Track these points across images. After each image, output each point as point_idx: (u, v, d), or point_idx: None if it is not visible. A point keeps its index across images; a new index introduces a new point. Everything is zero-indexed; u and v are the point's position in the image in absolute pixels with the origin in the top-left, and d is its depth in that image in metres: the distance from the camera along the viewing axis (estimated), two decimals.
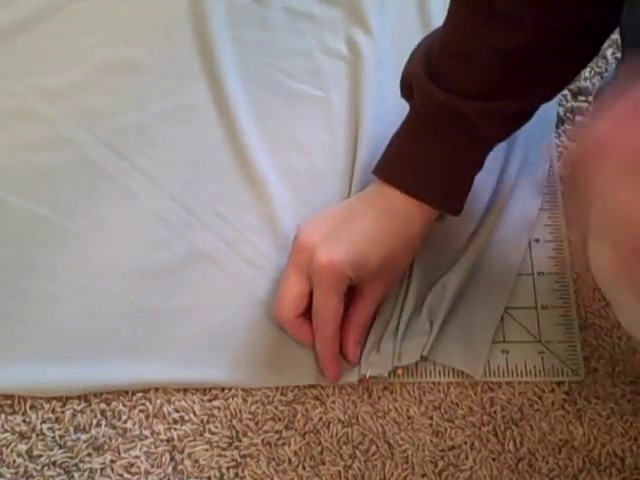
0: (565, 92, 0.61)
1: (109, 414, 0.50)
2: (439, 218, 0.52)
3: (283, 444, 0.50)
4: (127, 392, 0.50)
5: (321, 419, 0.50)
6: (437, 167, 0.48)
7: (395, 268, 0.50)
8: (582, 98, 0.60)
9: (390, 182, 0.49)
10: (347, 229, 0.48)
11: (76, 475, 0.48)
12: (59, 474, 0.49)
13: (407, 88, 0.50)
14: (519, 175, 0.56)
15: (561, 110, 0.60)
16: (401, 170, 0.49)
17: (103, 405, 0.50)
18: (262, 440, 0.50)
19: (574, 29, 0.44)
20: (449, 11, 0.47)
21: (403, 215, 0.48)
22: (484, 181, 0.56)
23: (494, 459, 0.50)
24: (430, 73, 0.47)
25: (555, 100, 0.60)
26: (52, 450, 0.49)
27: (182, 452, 0.49)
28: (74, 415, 0.50)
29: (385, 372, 0.50)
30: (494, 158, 0.56)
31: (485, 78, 0.46)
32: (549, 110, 0.59)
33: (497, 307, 0.53)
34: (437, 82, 0.47)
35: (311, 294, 0.48)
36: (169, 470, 0.49)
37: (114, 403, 0.50)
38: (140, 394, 0.50)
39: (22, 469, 0.48)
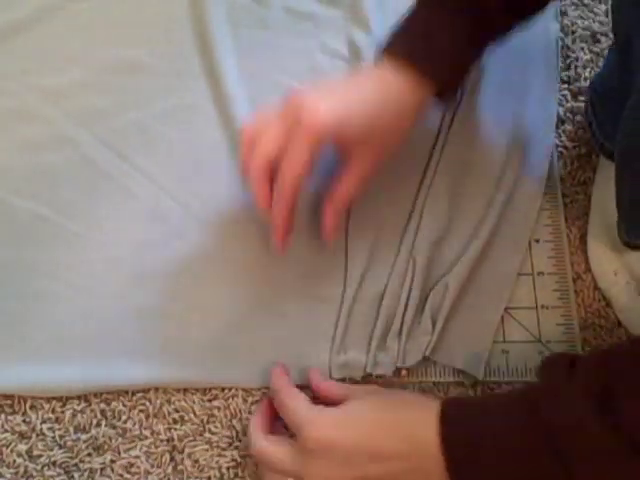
0: (565, 92, 0.61)
1: (109, 414, 0.50)
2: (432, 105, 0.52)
3: None
4: (127, 392, 0.50)
5: None
6: (435, 37, 0.48)
7: (382, 138, 0.49)
8: (582, 98, 0.60)
9: (388, 52, 0.49)
10: (338, 94, 0.47)
11: (76, 475, 0.49)
12: (59, 474, 0.49)
13: None
14: (519, 175, 0.56)
15: (561, 110, 0.60)
16: (400, 40, 0.49)
17: (103, 405, 0.50)
18: None
19: None
20: None
21: (395, 92, 0.48)
22: (484, 181, 0.56)
23: None
24: None
25: (555, 100, 0.60)
26: (52, 450, 0.49)
27: (182, 452, 0.49)
28: (74, 415, 0.50)
29: (389, 372, 0.50)
30: (494, 158, 0.56)
31: None
32: (549, 110, 0.59)
33: (497, 307, 0.53)
34: None
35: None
36: (169, 470, 0.49)
37: (114, 403, 0.50)
38: (140, 394, 0.50)
39: (22, 469, 0.48)
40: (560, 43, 0.62)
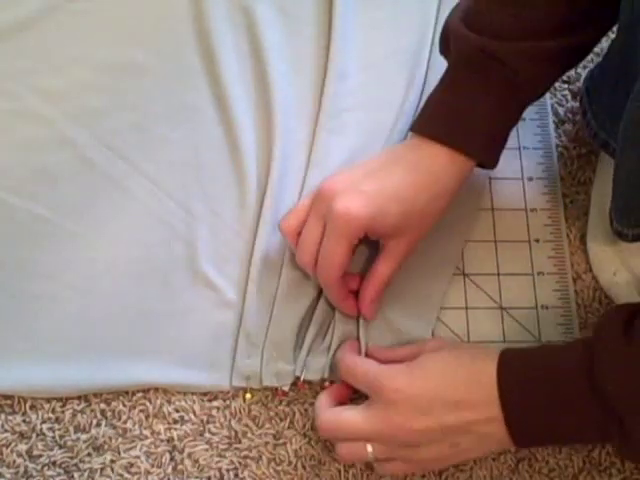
0: (565, 92, 0.61)
1: (109, 414, 0.50)
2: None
3: (283, 444, 0.50)
4: (127, 392, 0.50)
5: None
6: (471, 116, 0.47)
7: (417, 226, 0.48)
8: None
9: (424, 133, 0.48)
10: (370, 182, 0.47)
11: (76, 475, 0.49)
12: (59, 474, 0.49)
13: (445, 41, 0.49)
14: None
15: (561, 110, 0.60)
16: (435, 120, 0.48)
17: (103, 405, 0.50)
18: (262, 440, 0.50)
19: None
20: None
21: (431, 171, 0.47)
22: None
23: (494, 459, 0.50)
24: (467, 19, 0.47)
25: (552, 98, 0.60)
26: (52, 450, 0.49)
27: (182, 452, 0.49)
28: (74, 415, 0.50)
29: (317, 377, 0.50)
30: None
31: (526, 16, 0.45)
32: None
33: (427, 320, 0.52)
34: (473, 27, 0.46)
35: None
36: (169, 470, 0.49)
37: (114, 403, 0.50)
38: (140, 394, 0.50)
39: (22, 469, 0.48)
40: None
